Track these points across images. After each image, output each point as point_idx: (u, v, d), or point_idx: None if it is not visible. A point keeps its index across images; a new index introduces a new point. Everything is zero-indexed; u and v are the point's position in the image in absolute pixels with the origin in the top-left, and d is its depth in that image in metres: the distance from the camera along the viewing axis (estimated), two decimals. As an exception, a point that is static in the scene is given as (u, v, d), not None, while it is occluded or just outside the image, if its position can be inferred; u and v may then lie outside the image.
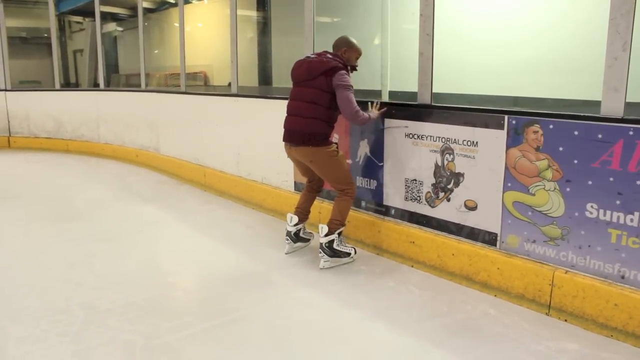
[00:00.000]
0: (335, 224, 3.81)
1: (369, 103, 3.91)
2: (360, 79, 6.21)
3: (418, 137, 3.73)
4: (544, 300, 3.06)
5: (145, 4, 8.83)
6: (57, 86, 9.91)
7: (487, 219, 3.38)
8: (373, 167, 4.10)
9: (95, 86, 10.08)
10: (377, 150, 4.04)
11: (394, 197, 3.98)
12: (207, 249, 4.37)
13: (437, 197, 3.67)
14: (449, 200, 3.59)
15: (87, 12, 10.07)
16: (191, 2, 9.10)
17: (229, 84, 6.03)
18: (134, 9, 8.90)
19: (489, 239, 3.37)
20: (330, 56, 3.74)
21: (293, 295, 3.45)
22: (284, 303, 3.32)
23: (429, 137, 3.65)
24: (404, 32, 5.76)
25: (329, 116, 3.73)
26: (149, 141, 7.90)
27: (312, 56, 3.80)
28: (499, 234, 3.32)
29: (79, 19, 12.18)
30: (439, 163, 3.62)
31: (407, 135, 3.80)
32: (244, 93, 5.81)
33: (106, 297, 3.37)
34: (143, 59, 7.95)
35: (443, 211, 3.64)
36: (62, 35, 11.75)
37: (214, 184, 6.20)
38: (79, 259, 4.08)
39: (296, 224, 4.08)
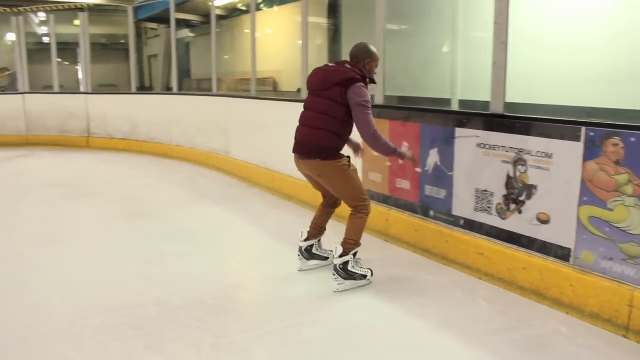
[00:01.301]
0: (350, 244, 3.59)
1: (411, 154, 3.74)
2: (429, 88, 6.19)
3: (490, 147, 3.66)
4: (621, 322, 2.92)
5: (218, 11, 9.11)
6: (133, 90, 10.32)
7: (560, 234, 3.27)
8: (443, 176, 4.05)
9: (168, 90, 10.47)
10: (447, 159, 4.00)
11: (463, 207, 3.92)
12: (275, 252, 4.44)
13: (509, 209, 3.58)
14: (520, 212, 3.50)
15: (162, 19, 10.51)
16: (262, 10, 9.31)
17: (299, 90, 6.12)
18: (206, 16, 9.20)
19: (562, 254, 3.26)
20: (349, 67, 3.52)
21: (359, 301, 3.45)
22: (349, 309, 3.34)
23: (501, 148, 3.58)
24: (474, 40, 5.68)
25: (341, 129, 3.51)
26: (219, 144, 8.10)
27: (331, 65, 3.60)
28: (572, 250, 3.20)
29: (154, 25, 12.73)
30: (511, 174, 3.54)
31: (479, 145, 3.73)
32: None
33: (177, 295, 3.49)
34: (215, 65, 8.17)
35: (514, 223, 3.55)
36: (139, 41, 12.31)
37: (283, 189, 6.29)
38: (152, 257, 4.25)
39: (306, 239, 3.91)
